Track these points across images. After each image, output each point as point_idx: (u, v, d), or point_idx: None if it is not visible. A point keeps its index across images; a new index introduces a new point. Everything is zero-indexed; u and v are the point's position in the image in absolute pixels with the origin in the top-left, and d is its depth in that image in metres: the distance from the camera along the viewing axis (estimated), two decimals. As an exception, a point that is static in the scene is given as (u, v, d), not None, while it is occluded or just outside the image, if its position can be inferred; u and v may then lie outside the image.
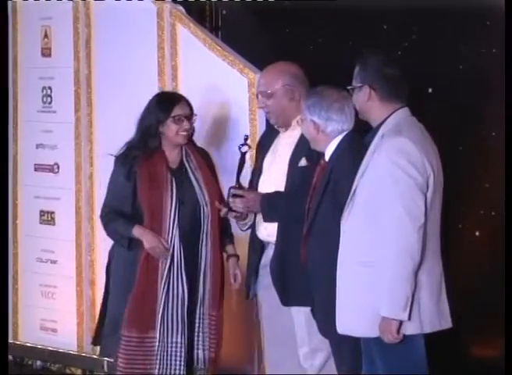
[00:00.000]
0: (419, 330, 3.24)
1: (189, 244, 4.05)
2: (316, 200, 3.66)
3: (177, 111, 4.06)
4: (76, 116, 5.13)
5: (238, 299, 4.21)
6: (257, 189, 4.03)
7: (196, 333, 4.07)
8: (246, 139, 4.06)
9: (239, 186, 3.98)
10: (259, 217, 3.98)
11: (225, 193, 4.06)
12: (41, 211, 5.31)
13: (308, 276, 3.68)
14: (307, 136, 3.77)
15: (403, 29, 4.40)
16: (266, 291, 4.01)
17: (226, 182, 4.15)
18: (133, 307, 4.01)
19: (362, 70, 3.34)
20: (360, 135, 3.60)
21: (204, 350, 4.06)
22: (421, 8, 4.26)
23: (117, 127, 4.93)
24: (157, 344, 4.01)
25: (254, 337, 4.35)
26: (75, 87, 5.12)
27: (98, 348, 5.03)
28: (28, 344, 5.33)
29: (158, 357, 4.01)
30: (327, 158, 3.71)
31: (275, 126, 4.05)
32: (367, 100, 3.32)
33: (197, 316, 4.06)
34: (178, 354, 4.02)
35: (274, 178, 3.98)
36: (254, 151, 4.22)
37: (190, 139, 4.12)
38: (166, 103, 4.07)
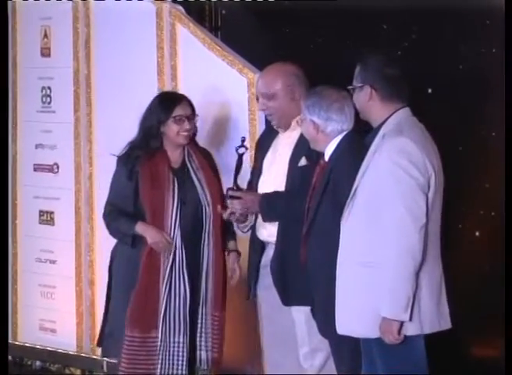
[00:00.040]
0: (419, 330, 3.23)
1: (191, 244, 4.05)
2: (316, 200, 3.66)
3: (178, 111, 4.06)
4: (76, 115, 5.13)
5: (237, 299, 4.21)
6: (256, 189, 4.03)
7: (198, 334, 4.07)
8: (243, 141, 4.06)
9: (236, 187, 3.99)
10: (259, 218, 3.98)
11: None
12: (41, 211, 5.31)
13: (308, 276, 3.68)
14: (306, 136, 3.77)
15: (403, 29, 4.39)
16: (266, 291, 4.01)
17: (226, 182, 4.15)
18: (135, 307, 4.02)
19: (363, 70, 3.34)
20: (360, 135, 3.60)
21: (206, 351, 4.07)
22: (420, 8, 4.26)
23: (116, 127, 4.93)
24: (159, 343, 4.01)
25: (253, 337, 4.34)
26: (74, 87, 5.11)
27: (98, 348, 5.05)
28: (27, 345, 5.32)
29: (160, 357, 4.02)
30: (327, 158, 3.71)
31: (276, 127, 4.05)
32: (368, 100, 3.31)
33: (200, 316, 4.06)
34: (180, 354, 4.03)
35: (274, 178, 3.97)
36: (253, 151, 4.21)
37: (192, 139, 4.13)
38: (167, 103, 4.08)
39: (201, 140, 4.40)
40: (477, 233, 4.32)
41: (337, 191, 3.57)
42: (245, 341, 4.46)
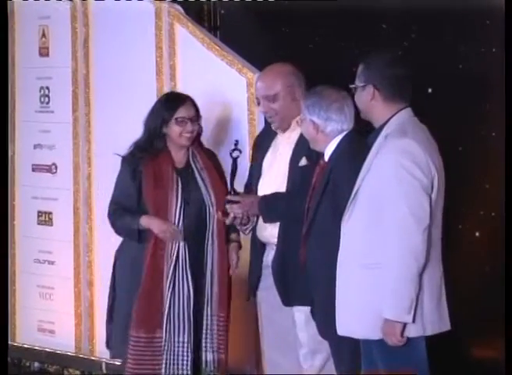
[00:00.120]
0: (421, 332, 3.22)
1: (194, 244, 4.06)
2: (315, 200, 3.65)
3: (180, 113, 4.06)
4: (74, 115, 5.12)
5: (237, 299, 4.20)
6: (257, 190, 4.03)
7: (204, 335, 4.08)
8: (236, 144, 4.06)
9: (234, 192, 3.98)
10: (260, 219, 3.97)
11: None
12: (39, 211, 5.30)
13: (308, 277, 3.67)
14: (306, 136, 3.76)
15: (403, 28, 4.39)
16: (266, 291, 4.00)
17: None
18: (140, 307, 4.03)
19: (366, 69, 3.32)
20: (360, 135, 3.59)
21: (212, 352, 4.07)
22: (420, 8, 4.25)
23: (115, 127, 4.92)
24: (163, 343, 4.01)
25: (253, 337, 4.33)
26: (73, 87, 5.10)
27: (96, 349, 5.04)
28: (26, 346, 5.31)
29: (165, 357, 4.02)
30: (326, 158, 3.70)
31: (275, 128, 4.04)
32: (370, 99, 3.30)
33: (205, 316, 4.07)
34: (185, 354, 4.03)
35: (275, 179, 3.97)
36: (251, 150, 4.20)
37: (196, 140, 4.12)
38: (170, 104, 4.08)
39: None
40: (477, 234, 4.32)
41: (337, 191, 3.56)
42: (245, 341, 4.45)
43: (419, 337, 3.24)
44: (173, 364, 4.03)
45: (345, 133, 3.70)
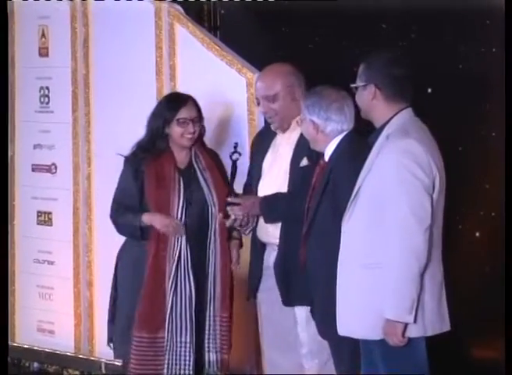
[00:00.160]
0: (422, 332, 3.22)
1: (196, 244, 4.06)
2: (315, 200, 3.65)
3: (182, 113, 4.06)
4: (74, 116, 5.11)
5: (237, 300, 4.19)
6: (257, 191, 4.02)
7: (207, 336, 4.08)
8: (236, 147, 4.06)
9: (234, 194, 3.98)
10: (260, 219, 3.97)
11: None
12: (39, 211, 5.29)
13: (308, 277, 3.67)
14: (306, 136, 3.76)
15: (403, 28, 4.38)
16: (266, 292, 4.00)
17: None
18: (143, 308, 4.03)
19: (367, 69, 3.32)
20: (360, 135, 3.59)
21: (216, 352, 4.07)
22: (420, 8, 4.25)
23: (115, 127, 4.92)
24: (166, 343, 4.02)
25: (253, 337, 4.33)
26: (72, 87, 5.10)
27: (96, 349, 5.04)
28: (25, 346, 5.31)
29: (167, 357, 4.03)
30: (326, 158, 3.70)
31: (275, 129, 4.03)
32: (371, 99, 3.29)
33: (208, 317, 4.07)
34: (187, 354, 4.03)
35: (275, 179, 3.97)
36: (250, 150, 4.20)
37: (198, 140, 4.12)
38: (172, 105, 4.08)
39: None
40: (477, 234, 4.32)
41: (337, 191, 3.56)
42: (245, 341, 4.45)
43: (419, 337, 3.23)
44: (175, 364, 4.03)
45: (345, 133, 3.70)
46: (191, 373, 4.05)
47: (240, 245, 4.17)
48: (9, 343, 5.17)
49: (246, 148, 4.33)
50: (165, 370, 4.03)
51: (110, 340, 4.20)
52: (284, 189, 3.92)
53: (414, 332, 3.19)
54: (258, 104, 4.07)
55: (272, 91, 3.97)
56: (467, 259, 4.29)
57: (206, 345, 4.07)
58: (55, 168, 5.23)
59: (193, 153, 4.12)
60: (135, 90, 4.82)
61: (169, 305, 4.01)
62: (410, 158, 3.17)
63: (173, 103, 4.09)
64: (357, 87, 3.35)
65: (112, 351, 4.28)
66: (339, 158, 3.65)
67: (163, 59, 4.76)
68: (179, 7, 4.82)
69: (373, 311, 3.19)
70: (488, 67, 4.20)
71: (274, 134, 4.07)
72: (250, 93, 4.43)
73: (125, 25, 4.89)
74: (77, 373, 5.17)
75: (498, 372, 3.85)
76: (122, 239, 4.26)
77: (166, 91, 4.70)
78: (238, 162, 4.03)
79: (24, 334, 5.33)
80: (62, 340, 5.16)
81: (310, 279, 3.67)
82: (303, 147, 3.85)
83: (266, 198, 3.93)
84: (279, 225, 3.92)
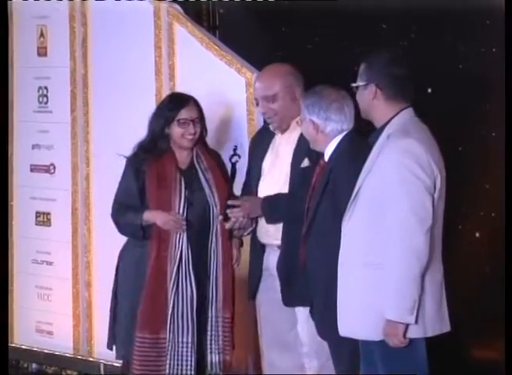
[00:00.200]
0: (422, 333, 3.21)
1: (198, 244, 4.06)
2: (315, 200, 3.65)
3: (182, 114, 4.05)
4: (73, 115, 5.10)
5: (237, 299, 4.18)
6: (257, 192, 4.01)
7: (209, 336, 4.08)
8: (235, 149, 4.05)
9: (233, 196, 3.98)
10: (260, 220, 3.96)
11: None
12: (37, 212, 5.28)
13: (307, 277, 3.66)
14: (306, 136, 3.75)
15: (403, 28, 4.38)
16: (266, 292, 4.00)
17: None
18: (145, 308, 4.03)
19: (368, 68, 3.31)
20: (360, 135, 3.58)
21: (218, 353, 4.07)
22: (420, 8, 4.24)
23: (114, 127, 4.91)
24: (167, 344, 4.01)
25: (252, 337, 4.32)
26: (71, 87, 5.09)
27: (94, 350, 5.02)
28: (23, 347, 5.30)
29: (169, 357, 4.02)
30: (326, 158, 3.70)
31: (273, 129, 4.02)
32: (372, 99, 3.28)
33: (210, 318, 4.07)
34: (189, 354, 4.03)
35: (277, 180, 3.96)
36: (249, 151, 4.19)
37: (201, 140, 4.12)
38: (172, 106, 4.08)
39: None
40: (477, 235, 4.31)
41: (337, 191, 3.55)
42: (245, 342, 4.44)
43: (420, 338, 3.22)
44: (177, 365, 4.03)
45: (345, 133, 3.69)
46: (193, 373, 4.05)
47: (241, 244, 4.16)
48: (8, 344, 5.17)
49: (245, 148, 4.32)
50: (167, 371, 4.03)
51: (111, 344, 4.19)
52: (285, 190, 3.91)
53: (414, 333, 3.19)
54: (257, 104, 4.06)
55: (271, 92, 3.96)
56: (467, 260, 4.28)
57: (208, 346, 4.07)
58: (54, 168, 5.22)
59: (195, 153, 4.11)
60: (134, 90, 4.81)
61: (171, 306, 4.01)
62: (411, 158, 3.16)
63: (174, 103, 4.08)
64: (357, 87, 3.34)
65: (110, 352, 4.27)
66: (339, 158, 3.64)
67: (162, 59, 4.75)
68: (178, 7, 4.81)
69: (374, 312, 3.19)
70: (488, 67, 4.19)
71: (273, 134, 4.06)
72: (250, 93, 4.42)
73: (124, 25, 4.88)
74: (76, 373, 5.16)
75: (498, 372, 3.84)
76: (121, 239, 4.25)
77: (165, 91, 4.70)
78: (238, 164, 4.02)
79: (23, 335, 5.32)
80: (61, 341, 5.15)
81: (309, 279, 3.66)
82: (303, 147, 3.84)
83: (267, 198, 3.92)
84: (279, 226, 3.91)
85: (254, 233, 4.03)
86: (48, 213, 5.24)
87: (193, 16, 4.88)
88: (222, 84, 4.56)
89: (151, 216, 4.02)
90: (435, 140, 3.36)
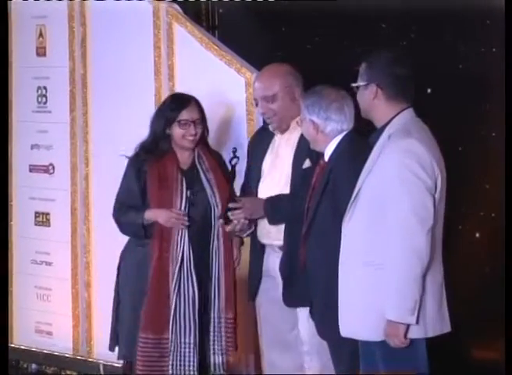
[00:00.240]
0: (423, 334, 3.21)
1: (199, 244, 4.06)
2: (315, 200, 3.64)
3: (183, 115, 4.05)
4: (72, 115, 5.09)
5: (237, 300, 4.18)
6: (256, 192, 4.01)
7: (212, 337, 4.08)
8: (234, 152, 4.04)
9: (233, 199, 3.97)
10: (260, 221, 3.95)
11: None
12: (36, 212, 5.27)
13: (307, 277, 3.65)
14: (307, 136, 3.75)
15: (403, 28, 4.38)
16: (266, 293, 4.00)
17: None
18: (148, 309, 4.03)
19: (369, 68, 3.30)
20: (361, 135, 3.58)
21: (221, 354, 4.07)
22: (420, 8, 4.24)
23: (113, 127, 4.90)
24: (170, 344, 4.02)
25: (252, 337, 4.32)
26: (70, 87, 5.08)
27: (94, 350, 5.02)
28: (23, 347, 5.29)
29: (171, 357, 4.03)
30: (326, 158, 3.69)
31: (273, 130, 4.01)
32: (373, 98, 3.28)
33: (212, 319, 4.07)
34: (191, 355, 4.03)
35: (278, 181, 3.96)
36: (247, 151, 4.19)
37: (203, 141, 4.12)
38: (174, 106, 4.08)
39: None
40: (477, 235, 4.31)
41: (337, 191, 3.55)
42: (244, 342, 4.43)
43: (420, 338, 3.22)
44: (180, 365, 4.04)
45: (345, 133, 3.69)
46: (195, 373, 4.05)
47: (241, 243, 4.16)
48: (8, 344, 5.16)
49: (245, 148, 4.32)
50: (170, 371, 4.04)
51: (113, 345, 4.18)
52: (285, 191, 3.91)
53: (415, 333, 3.18)
54: (257, 105, 4.06)
55: (271, 92, 3.96)
56: (467, 260, 4.28)
57: (211, 347, 4.07)
58: (53, 168, 5.21)
59: (197, 154, 4.11)
60: (133, 90, 4.81)
61: (173, 306, 4.01)
62: (412, 158, 3.16)
63: (175, 104, 4.08)
64: (358, 87, 3.33)
65: (110, 353, 4.27)
66: (339, 157, 3.64)
67: (161, 59, 4.74)
68: (177, 6, 4.80)
69: (375, 312, 3.18)
70: (488, 67, 4.19)
71: (272, 135, 4.05)
72: (249, 93, 4.42)
73: (123, 24, 4.87)
74: (75, 374, 5.15)
75: (498, 372, 3.84)
76: (120, 239, 4.25)
77: (164, 91, 4.69)
78: (237, 166, 4.02)
79: (22, 336, 5.31)
80: (60, 341, 5.14)
81: (309, 279, 3.65)
82: (304, 148, 3.83)
83: (270, 199, 3.91)
84: (280, 226, 3.90)
85: (253, 234, 4.02)
86: (47, 213, 5.24)
87: (193, 15, 4.88)
88: (222, 84, 4.55)
89: (152, 215, 4.02)
90: (435, 140, 3.35)
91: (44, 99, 5.21)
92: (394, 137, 3.22)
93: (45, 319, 5.23)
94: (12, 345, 5.26)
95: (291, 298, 3.84)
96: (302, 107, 3.73)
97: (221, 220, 4.00)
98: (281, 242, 3.90)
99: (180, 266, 4.02)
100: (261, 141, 4.09)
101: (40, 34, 5.18)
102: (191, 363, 4.03)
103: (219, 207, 4.04)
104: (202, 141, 4.13)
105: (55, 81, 5.15)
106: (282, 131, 4.01)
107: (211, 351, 4.07)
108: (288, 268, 3.83)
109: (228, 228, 3.99)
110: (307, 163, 3.84)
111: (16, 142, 5.32)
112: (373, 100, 3.28)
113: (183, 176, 4.06)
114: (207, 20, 4.96)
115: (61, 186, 5.15)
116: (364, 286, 3.21)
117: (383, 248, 3.17)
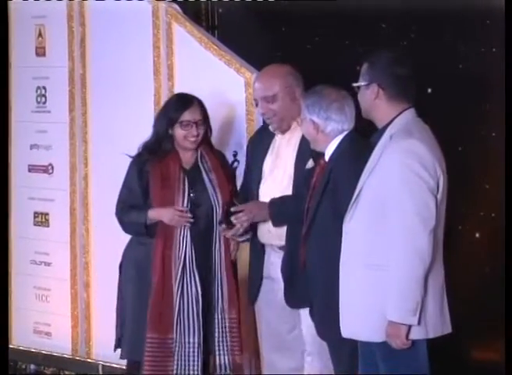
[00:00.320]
0: (424, 335, 3.20)
1: (201, 244, 4.06)
2: (315, 200, 3.64)
3: (185, 116, 4.05)
4: (71, 115, 5.09)
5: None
6: (257, 194, 4.00)
7: (216, 338, 4.08)
8: (235, 155, 4.04)
9: (233, 203, 3.97)
10: (260, 223, 3.94)
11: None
12: (35, 212, 5.27)
13: (307, 277, 3.65)
14: (307, 136, 3.74)
15: (403, 28, 4.37)
16: (265, 294, 3.99)
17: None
18: (152, 309, 4.04)
19: (370, 68, 3.29)
20: (361, 135, 3.57)
21: (227, 355, 4.07)
22: (420, 8, 4.24)
23: (112, 127, 4.89)
24: (174, 345, 4.02)
25: (252, 338, 4.31)
26: (69, 87, 5.07)
27: (93, 351, 5.01)
28: (22, 348, 5.29)
29: (176, 357, 4.03)
30: (327, 158, 3.68)
31: (273, 130, 4.01)
32: (374, 98, 3.27)
33: (216, 319, 4.07)
34: (195, 355, 4.04)
35: (280, 182, 3.95)
36: (246, 152, 4.18)
37: (206, 141, 4.11)
38: (176, 107, 4.08)
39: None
40: (477, 235, 4.31)
41: (337, 191, 3.55)
42: (244, 342, 4.42)
43: (421, 339, 3.21)
44: (184, 365, 4.04)
45: (345, 132, 3.68)
46: (199, 373, 4.05)
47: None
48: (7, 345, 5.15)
49: (244, 148, 4.31)
50: (174, 371, 4.04)
51: (119, 345, 4.18)
52: (288, 192, 3.90)
53: (416, 334, 3.17)
54: (257, 105, 4.05)
55: (271, 92, 3.95)
56: (467, 260, 4.28)
57: (216, 347, 4.07)
58: (52, 168, 5.20)
59: (200, 154, 4.12)
60: (132, 89, 4.80)
61: (176, 307, 4.01)
62: (413, 159, 3.15)
63: (178, 105, 4.08)
64: (359, 87, 3.32)
65: (109, 353, 4.26)
66: (339, 157, 3.63)
67: (161, 59, 4.74)
68: (176, 6, 4.80)
69: (376, 313, 3.17)
70: (488, 67, 4.19)
71: (272, 135, 4.05)
72: (249, 93, 4.41)
73: (122, 24, 4.87)
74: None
75: (498, 373, 3.84)
76: (120, 239, 4.25)
77: (164, 91, 4.69)
78: (237, 171, 4.02)
79: (21, 336, 5.31)
80: (59, 342, 5.13)
81: (309, 279, 3.65)
82: (306, 148, 3.82)
83: (274, 202, 3.90)
84: (281, 227, 3.89)
85: (253, 236, 4.01)
86: (46, 214, 5.23)
87: (192, 15, 4.87)
88: (221, 84, 4.54)
89: (156, 214, 4.02)
90: (436, 140, 3.35)
91: (43, 99, 5.20)
92: (396, 137, 3.21)
93: (44, 320, 5.22)
94: (11, 346, 5.24)
95: (293, 299, 3.83)
96: (302, 107, 3.72)
97: (223, 225, 3.98)
98: (281, 242, 3.89)
99: (183, 266, 4.02)
100: (261, 141, 4.08)
101: (40, 34, 5.18)
102: (195, 363, 4.03)
103: (221, 207, 4.04)
104: (205, 141, 4.13)
105: (55, 81, 5.14)
106: (283, 131, 4.00)
107: (217, 353, 4.07)
108: (290, 268, 3.82)
109: (230, 233, 3.97)
110: (310, 163, 3.83)
111: (15, 142, 5.31)
112: (374, 100, 3.27)
113: (185, 176, 4.06)
114: (206, 20, 4.96)
115: (60, 186, 5.15)
116: (365, 287, 3.20)
117: (384, 248, 3.16)
